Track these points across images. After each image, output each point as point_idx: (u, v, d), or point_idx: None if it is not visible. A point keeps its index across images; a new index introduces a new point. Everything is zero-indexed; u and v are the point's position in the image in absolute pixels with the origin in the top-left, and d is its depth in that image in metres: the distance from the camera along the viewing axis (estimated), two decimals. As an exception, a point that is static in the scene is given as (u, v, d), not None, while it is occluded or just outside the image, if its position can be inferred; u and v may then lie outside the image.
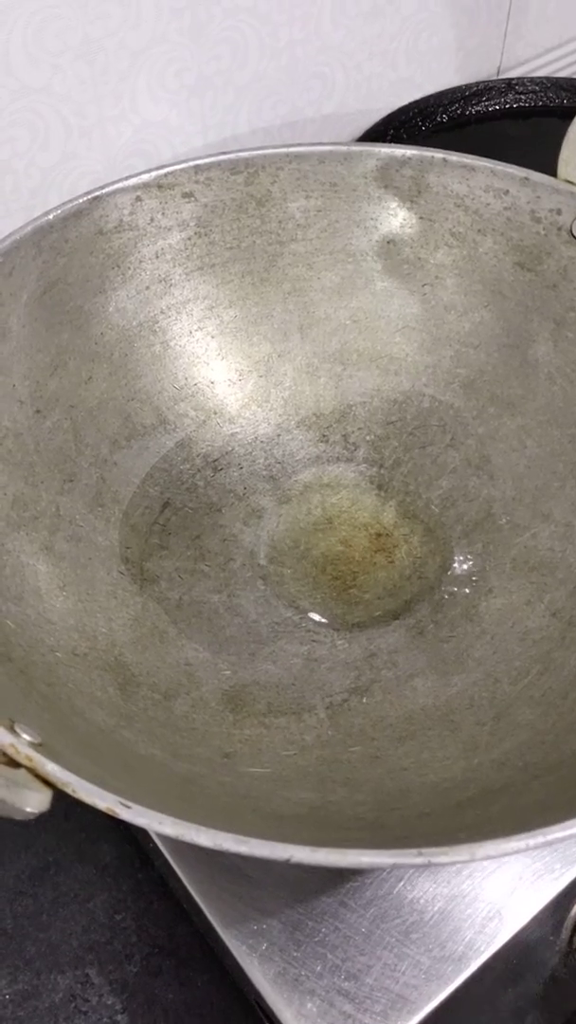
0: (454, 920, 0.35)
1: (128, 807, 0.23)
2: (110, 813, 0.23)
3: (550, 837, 0.23)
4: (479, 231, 0.44)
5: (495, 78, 0.64)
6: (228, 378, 0.45)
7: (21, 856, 0.44)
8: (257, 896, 0.35)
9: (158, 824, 0.23)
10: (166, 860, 0.37)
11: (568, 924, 0.38)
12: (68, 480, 0.39)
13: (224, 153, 0.43)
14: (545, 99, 0.64)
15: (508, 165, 0.42)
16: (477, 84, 0.63)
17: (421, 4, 0.57)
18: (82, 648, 0.34)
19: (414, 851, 0.22)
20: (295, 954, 0.34)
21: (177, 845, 0.37)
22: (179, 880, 0.37)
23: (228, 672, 0.37)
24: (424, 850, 0.22)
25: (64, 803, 0.36)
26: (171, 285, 0.44)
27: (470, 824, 0.27)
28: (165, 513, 0.41)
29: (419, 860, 0.22)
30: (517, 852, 0.23)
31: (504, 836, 0.23)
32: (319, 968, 0.34)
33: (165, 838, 0.37)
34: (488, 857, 0.23)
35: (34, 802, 0.23)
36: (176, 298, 0.44)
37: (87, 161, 0.49)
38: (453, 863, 0.23)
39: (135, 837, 0.44)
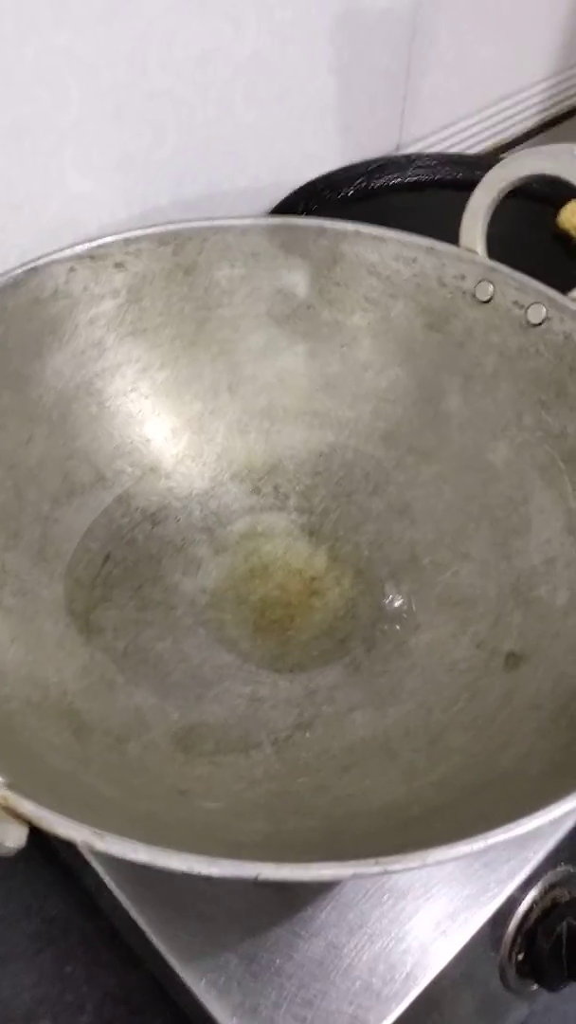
0: (402, 942, 0.37)
1: (102, 837, 0.24)
2: (85, 845, 0.24)
3: (491, 840, 0.25)
4: (391, 295, 0.47)
5: (395, 154, 0.69)
6: (163, 435, 0.47)
7: (-31, 914, 0.44)
8: (213, 932, 0.36)
9: (132, 852, 0.24)
10: (120, 907, 0.38)
11: (506, 940, 0.40)
12: (12, 536, 0.41)
13: (153, 226, 0.45)
14: (442, 173, 0.69)
15: (415, 236, 0.46)
16: (379, 159, 0.67)
17: (324, 86, 0.62)
18: (35, 697, 0.35)
19: (371, 860, 0.24)
20: (252, 985, 0.35)
21: (132, 891, 0.38)
22: (133, 923, 0.37)
23: (176, 715, 0.38)
24: (380, 859, 0.24)
25: (8, 861, 0.36)
26: (105, 349, 0.46)
27: (416, 840, 0.29)
28: (107, 566, 0.43)
29: (376, 869, 0.24)
30: (463, 856, 0.25)
31: (450, 843, 0.25)
32: (275, 997, 0.35)
33: (120, 885, 0.38)
34: (438, 862, 0.25)
35: (13, 838, 0.24)
36: (110, 361, 0.46)
37: (15, 235, 0.51)
38: (406, 869, 0.25)
39: (85, 890, 0.45)
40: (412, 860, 0.25)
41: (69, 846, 0.41)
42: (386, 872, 0.24)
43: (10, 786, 0.26)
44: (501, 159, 0.45)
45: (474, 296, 0.45)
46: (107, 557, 0.43)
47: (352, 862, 0.24)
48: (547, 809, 0.26)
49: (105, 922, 0.44)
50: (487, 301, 0.45)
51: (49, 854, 0.46)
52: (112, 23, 0.48)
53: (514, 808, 0.28)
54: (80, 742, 0.34)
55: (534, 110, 0.80)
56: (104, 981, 0.44)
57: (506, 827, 0.25)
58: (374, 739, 0.37)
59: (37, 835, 0.26)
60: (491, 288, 0.44)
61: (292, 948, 0.37)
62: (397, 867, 0.24)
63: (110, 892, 0.38)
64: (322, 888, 0.38)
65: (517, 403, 0.44)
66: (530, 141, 0.80)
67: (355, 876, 0.24)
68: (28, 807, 0.25)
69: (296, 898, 0.38)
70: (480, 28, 0.70)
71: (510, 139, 0.80)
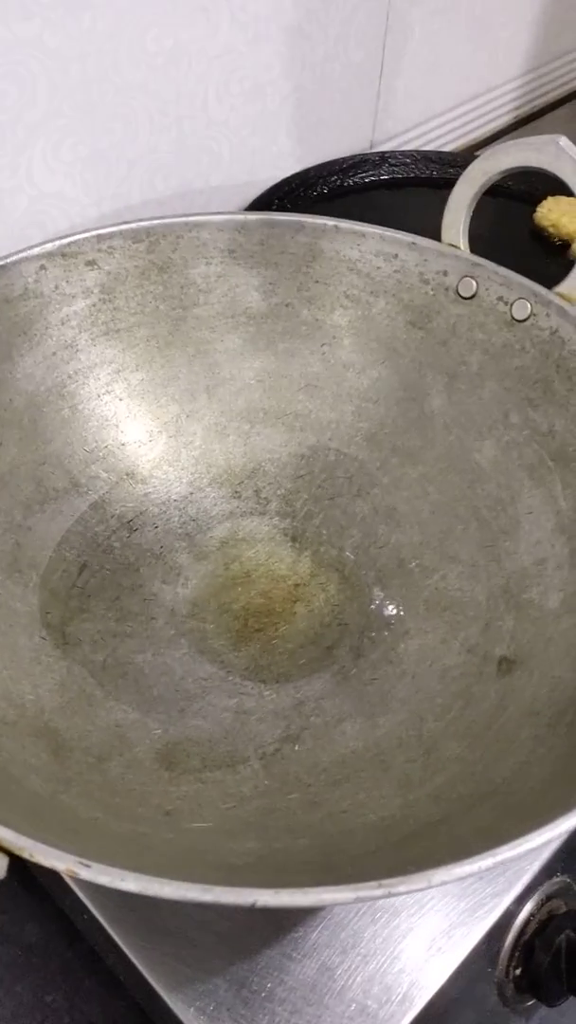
0: (397, 961, 0.35)
1: (88, 866, 0.23)
2: (69, 875, 0.23)
3: (499, 858, 0.24)
4: (372, 293, 0.46)
5: (369, 151, 0.68)
6: (138, 439, 0.45)
7: (-58, 944, 0.43)
8: (200, 957, 0.35)
9: (120, 881, 0.23)
10: (103, 931, 0.36)
11: (503, 956, 0.39)
12: (-17, 547, 0.39)
13: (126, 222, 0.44)
14: (416, 170, 0.68)
15: (396, 231, 0.45)
16: (353, 157, 0.66)
17: (298, 84, 0.61)
18: (11, 716, 0.34)
19: (374, 883, 0.23)
20: (243, 1012, 0.34)
21: (115, 915, 0.36)
22: (118, 950, 0.36)
23: (159, 731, 0.36)
24: (383, 882, 0.23)
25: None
26: (77, 350, 0.44)
27: (416, 857, 0.28)
28: (83, 576, 0.41)
29: (379, 892, 0.23)
30: (469, 875, 0.24)
31: (456, 861, 0.24)
32: (267, 1023, 0.34)
33: (102, 909, 0.36)
34: (443, 882, 0.23)
35: (-7, 869, 0.22)
36: (83, 363, 0.44)
37: (-18, 232, 0.50)
38: (411, 891, 0.23)
39: (63, 915, 0.43)
40: (417, 881, 0.23)
41: (47, 870, 0.39)
42: (390, 895, 0.23)
43: (-14, 813, 0.24)
44: (477, 155, 0.44)
45: (457, 292, 0.44)
46: (83, 566, 0.41)
47: (354, 886, 0.23)
48: (555, 823, 0.25)
49: (86, 948, 0.43)
50: (471, 297, 0.44)
51: (26, 879, 0.44)
52: (82, 16, 0.46)
53: (516, 821, 0.27)
54: (59, 762, 0.33)
55: (507, 108, 0.80)
56: (87, 1010, 0.42)
57: (513, 843, 0.24)
58: (366, 751, 0.36)
59: (15, 860, 0.24)
60: (474, 284, 0.43)
61: (283, 971, 0.35)
62: (402, 889, 0.23)
63: (92, 916, 0.36)
64: (314, 908, 0.36)
65: (503, 401, 0.43)
66: (502, 139, 0.79)
67: (358, 900, 0.23)
68: (6, 835, 0.23)
69: (286, 919, 0.36)
70: (453, 26, 0.69)
71: (483, 137, 0.79)
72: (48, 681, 0.37)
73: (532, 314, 0.42)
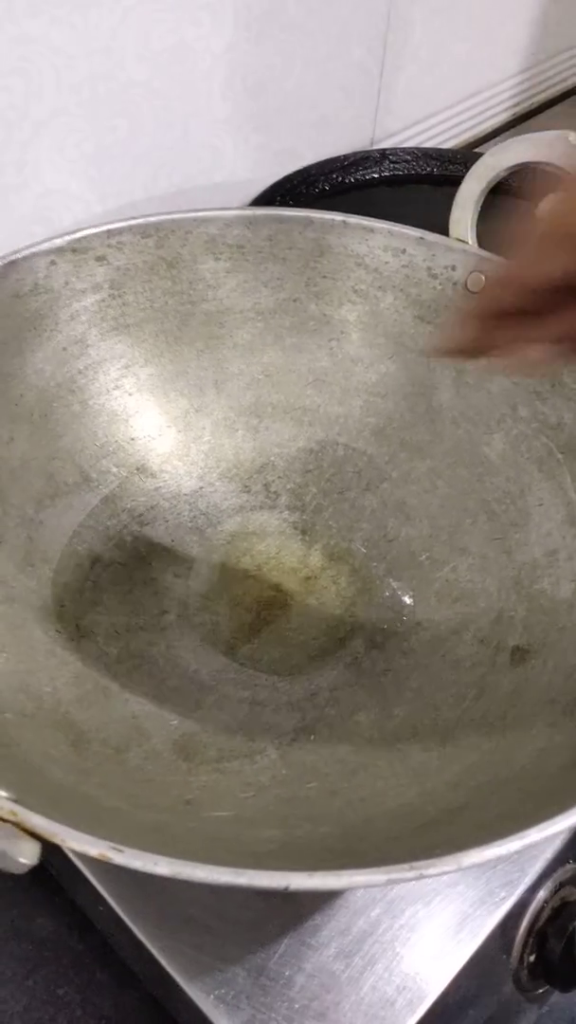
0: (414, 949, 0.36)
1: (120, 851, 0.23)
2: (102, 859, 0.23)
3: (527, 840, 0.24)
4: (379, 288, 0.46)
5: (370, 148, 0.69)
6: (148, 434, 0.45)
7: (-44, 938, 0.43)
8: (218, 945, 0.35)
9: (153, 865, 0.23)
10: (120, 921, 0.36)
11: (517, 944, 0.39)
12: (-3, 541, 0.39)
13: (135, 218, 0.44)
14: (416, 167, 0.68)
15: (404, 226, 0.45)
16: (355, 154, 0.67)
17: (300, 81, 0.61)
18: (29, 708, 0.34)
19: (405, 866, 0.23)
20: (262, 999, 0.34)
21: (132, 905, 0.36)
22: (135, 940, 0.36)
23: (175, 722, 0.37)
24: (415, 864, 0.23)
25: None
26: (87, 346, 0.44)
27: (440, 842, 0.28)
28: (95, 569, 0.41)
29: (411, 874, 0.23)
30: (499, 857, 0.24)
31: (484, 844, 0.24)
32: (286, 1011, 0.34)
33: (119, 899, 0.36)
34: (473, 864, 0.24)
35: (27, 854, 0.22)
36: (93, 358, 0.44)
37: (-12, 228, 0.50)
38: (441, 873, 0.24)
39: (74, 907, 0.43)
40: (447, 863, 0.23)
41: (61, 861, 0.39)
42: (422, 877, 0.23)
43: (17, 800, 0.24)
44: (477, 152, 0.44)
45: (466, 287, 0.44)
46: (95, 560, 0.42)
47: (386, 868, 0.23)
48: (581, 805, 0.25)
49: (98, 941, 0.43)
50: (479, 292, 0.44)
51: (37, 872, 0.44)
52: (88, 12, 0.47)
53: (537, 806, 0.27)
54: (79, 753, 0.33)
55: (506, 105, 0.80)
56: (99, 1003, 0.42)
57: (541, 826, 0.24)
58: (382, 740, 0.36)
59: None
60: (483, 279, 0.44)
61: (301, 958, 0.35)
62: (433, 871, 0.23)
63: (108, 907, 0.37)
64: (330, 896, 0.37)
65: (511, 395, 0.43)
66: (502, 135, 0.80)
67: (389, 882, 0.23)
68: (39, 821, 0.23)
69: (303, 907, 0.36)
70: (453, 24, 0.69)
71: (482, 134, 0.79)
72: (64, 674, 0.37)
73: (540, 308, 0.42)
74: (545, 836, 0.24)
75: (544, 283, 0.25)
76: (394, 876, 0.23)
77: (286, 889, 0.23)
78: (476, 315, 0.27)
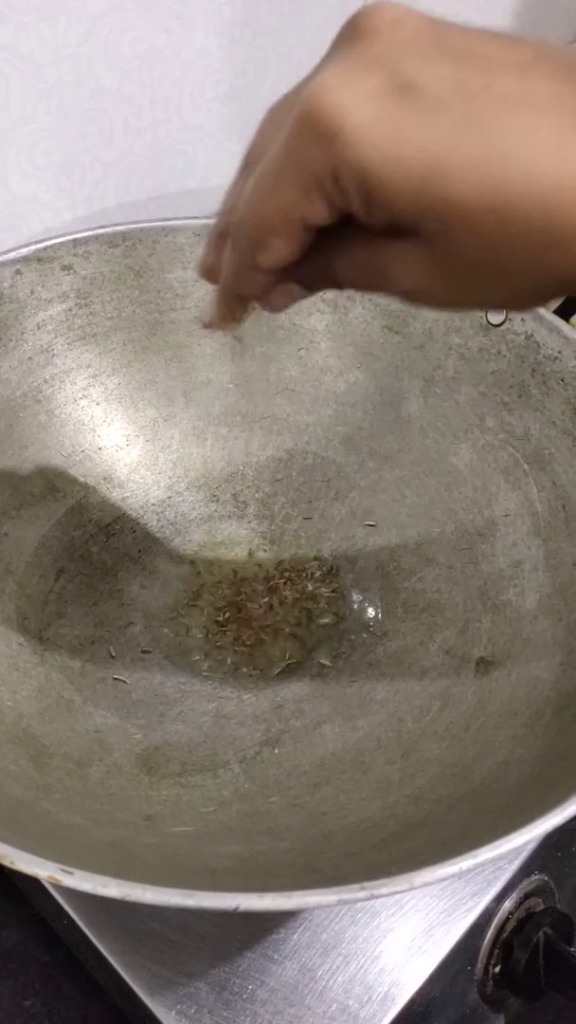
0: (378, 961, 0.36)
1: (70, 873, 0.23)
2: (52, 882, 0.23)
3: (480, 859, 0.24)
4: (348, 297, 0.46)
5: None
6: (115, 444, 0.45)
7: None
8: (181, 960, 0.35)
9: (102, 887, 0.23)
10: (83, 936, 0.36)
11: (482, 955, 0.39)
12: (-40, 553, 0.39)
13: (102, 227, 0.44)
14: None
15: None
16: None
17: (273, 88, 0.61)
18: (-11, 723, 0.34)
19: (356, 886, 0.23)
20: (224, 1014, 0.34)
21: (94, 919, 0.36)
22: (98, 954, 0.36)
23: (139, 736, 0.36)
24: (365, 884, 0.23)
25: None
26: (53, 355, 0.44)
27: (397, 858, 0.28)
28: (61, 581, 0.41)
29: (362, 894, 0.23)
30: (451, 876, 0.24)
31: (437, 863, 0.24)
32: (250, 1026, 0.34)
33: (82, 914, 0.36)
34: (425, 884, 0.24)
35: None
36: (59, 367, 0.44)
37: (-43, 236, 0.49)
38: (393, 893, 0.23)
39: (40, 919, 0.43)
40: (399, 883, 0.23)
41: (25, 875, 0.39)
42: (372, 897, 0.23)
43: (-33, 821, 0.24)
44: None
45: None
46: (61, 571, 0.41)
47: (336, 888, 0.23)
48: (534, 823, 0.25)
49: (65, 953, 0.42)
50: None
51: (3, 884, 0.44)
52: (56, 19, 0.46)
53: (495, 821, 0.27)
54: (39, 768, 0.33)
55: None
56: (66, 1015, 0.42)
57: (494, 844, 0.24)
58: (345, 753, 0.36)
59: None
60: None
61: (264, 973, 0.35)
62: (384, 891, 0.23)
63: (72, 922, 0.36)
64: (296, 911, 0.37)
65: (479, 405, 0.43)
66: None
67: (340, 903, 0.23)
68: (-12, 844, 0.23)
69: (267, 921, 0.36)
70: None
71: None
72: (26, 687, 0.36)
73: (508, 319, 0.42)
74: (498, 854, 0.24)
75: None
76: (345, 897, 0.23)
77: (235, 910, 0.23)
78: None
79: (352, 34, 0.23)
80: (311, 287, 0.26)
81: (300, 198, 0.22)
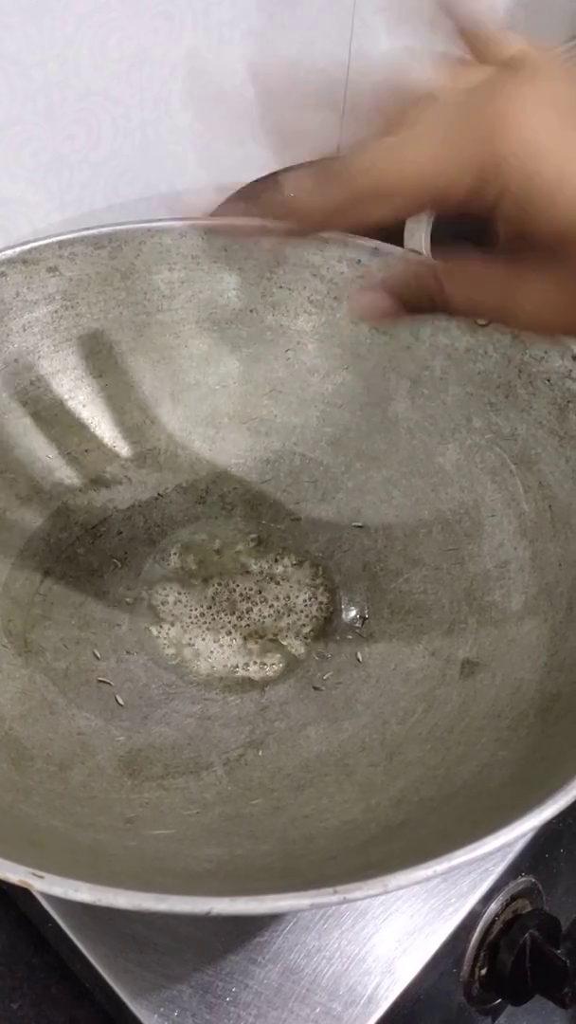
0: (362, 963, 0.36)
1: (41, 877, 0.23)
2: (23, 886, 0.23)
3: (455, 862, 0.24)
4: (335, 298, 0.46)
5: (335, 156, 0.68)
6: (102, 446, 0.45)
7: None
8: (165, 963, 0.35)
9: (74, 892, 0.23)
10: (67, 939, 0.36)
11: (468, 956, 0.39)
12: (-55, 555, 0.39)
13: (88, 228, 0.44)
14: (383, 175, 0.68)
15: (359, 237, 0.45)
16: (320, 161, 0.66)
17: (263, 88, 0.60)
18: (-29, 726, 0.34)
19: (329, 890, 0.23)
20: (208, 1017, 0.34)
21: (78, 922, 0.36)
22: (82, 957, 0.36)
23: (122, 738, 0.36)
24: (339, 888, 0.23)
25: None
26: (40, 357, 0.44)
27: (376, 862, 0.28)
28: (46, 583, 0.41)
29: (335, 898, 0.23)
30: (426, 880, 0.24)
31: (411, 866, 0.24)
32: (233, 1029, 0.34)
33: (66, 917, 0.36)
34: (399, 887, 0.24)
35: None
36: (45, 369, 0.44)
37: (-56, 238, 0.49)
38: (367, 897, 0.23)
39: (28, 921, 0.43)
40: (373, 887, 0.23)
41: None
42: (345, 901, 0.23)
43: None
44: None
45: (419, 297, 0.44)
46: (46, 573, 0.41)
47: (309, 892, 0.23)
48: (510, 827, 0.25)
49: (52, 955, 0.42)
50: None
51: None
52: (42, 20, 0.46)
53: (476, 824, 0.27)
54: (20, 771, 0.32)
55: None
56: (54, 1017, 0.42)
57: (468, 848, 0.24)
58: (329, 755, 0.36)
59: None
60: (436, 289, 0.43)
61: (248, 976, 0.35)
62: (357, 895, 0.23)
63: (56, 924, 0.36)
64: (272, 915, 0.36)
65: (466, 405, 0.43)
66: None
67: (313, 907, 0.23)
68: (-40, 848, 0.23)
69: (251, 922, 0.36)
70: (418, 33, 0.69)
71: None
72: (9, 689, 0.36)
73: (493, 319, 0.42)
74: (473, 857, 0.24)
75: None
76: (318, 901, 0.23)
77: (208, 914, 0.23)
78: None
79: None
80: (417, 312, 0.26)
81: (448, 168, 0.22)
